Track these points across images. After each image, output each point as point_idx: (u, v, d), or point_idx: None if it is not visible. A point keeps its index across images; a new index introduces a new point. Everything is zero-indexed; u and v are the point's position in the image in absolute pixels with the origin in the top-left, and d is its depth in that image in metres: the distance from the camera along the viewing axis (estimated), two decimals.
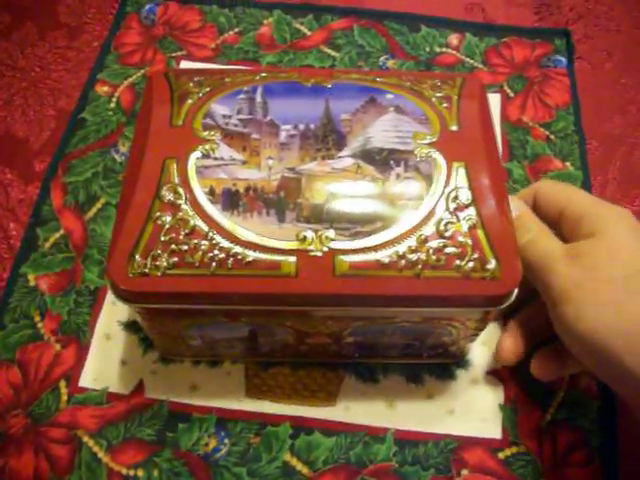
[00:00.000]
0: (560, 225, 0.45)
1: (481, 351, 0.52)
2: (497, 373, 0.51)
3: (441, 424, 0.50)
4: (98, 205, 0.58)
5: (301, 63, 0.67)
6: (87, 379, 0.51)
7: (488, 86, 0.65)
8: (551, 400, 0.51)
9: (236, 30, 0.69)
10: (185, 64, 0.67)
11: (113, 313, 0.53)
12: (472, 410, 0.50)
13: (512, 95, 0.65)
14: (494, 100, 0.63)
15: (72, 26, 0.70)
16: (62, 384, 0.51)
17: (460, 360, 0.52)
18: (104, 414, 0.49)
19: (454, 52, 0.68)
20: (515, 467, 0.48)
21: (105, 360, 0.52)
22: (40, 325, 0.53)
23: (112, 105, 0.64)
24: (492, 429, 0.50)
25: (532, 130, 0.63)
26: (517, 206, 0.45)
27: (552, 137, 0.63)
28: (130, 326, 0.53)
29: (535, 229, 0.44)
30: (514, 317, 0.49)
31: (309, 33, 0.69)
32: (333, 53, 0.67)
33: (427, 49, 0.68)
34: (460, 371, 0.52)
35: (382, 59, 0.67)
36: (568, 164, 0.61)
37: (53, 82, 0.66)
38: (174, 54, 0.67)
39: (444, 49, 0.68)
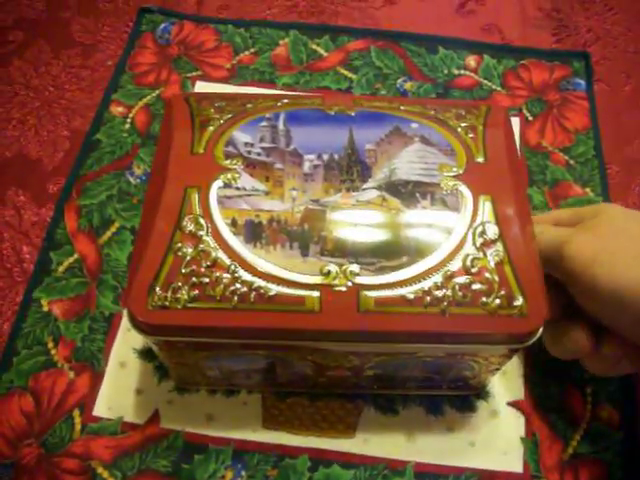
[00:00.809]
0: None
1: (501, 381, 0.51)
2: (518, 404, 0.51)
3: (462, 457, 0.49)
4: (112, 229, 0.57)
5: (318, 85, 0.66)
6: (101, 408, 0.50)
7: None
8: (573, 432, 0.50)
9: (252, 50, 0.69)
10: (200, 84, 0.66)
11: (128, 340, 0.52)
12: (493, 443, 0.49)
13: (531, 118, 0.65)
14: (513, 123, 0.62)
15: (86, 45, 0.69)
16: (76, 413, 0.50)
17: (480, 391, 0.51)
18: (119, 444, 0.49)
19: (472, 74, 0.68)
20: None
21: (120, 389, 0.51)
22: (54, 352, 0.52)
23: (127, 126, 0.63)
24: (513, 462, 0.49)
25: (551, 155, 0.62)
26: None
27: (572, 162, 0.62)
28: (145, 354, 0.52)
29: (542, 223, 0.45)
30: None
31: (325, 54, 0.68)
32: (350, 75, 0.67)
33: (445, 71, 0.67)
34: (480, 402, 0.51)
35: (399, 81, 0.67)
36: (588, 190, 0.60)
37: (67, 102, 0.66)
38: (189, 74, 0.67)
39: (462, 71, 0.68)
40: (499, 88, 0.67)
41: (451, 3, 0.74)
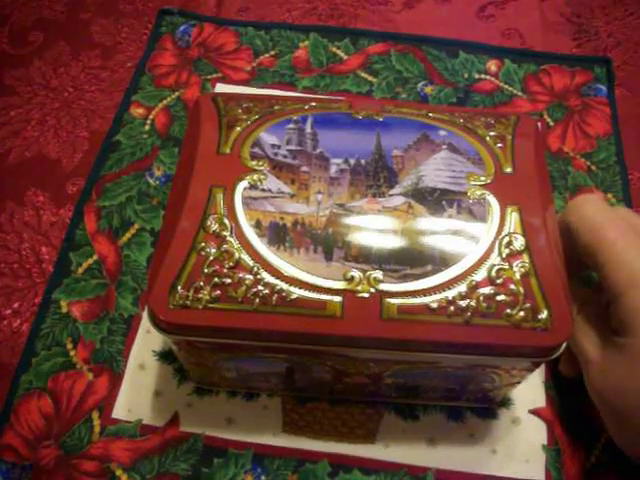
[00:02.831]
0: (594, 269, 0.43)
1: (523, 389, 0.51)
2: (539, 412, 0.50)
3: (483, 465, 0.48)
4: (132, 230, 0.57)
5: (338, 88, 0.66)
6: (120, 410, 0.50)
7: (528, 114, 0.64)
8: (595, 441, 0.49)
9: (272, 53, 0.68)
10: (220, 87, 0.66)
11: (147, 342, 0.52)
12: (515, 451, 0.49)
13: (552, 124, 0.64)
14: None
15: (106, 46, 0.70)
16: (95, 415, 0.50)
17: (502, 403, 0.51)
18: (138, 447, 0.48)
19: (493, 79, 0.67)
20: None
21: (139, 391, 0.51)
22: (73, 353, 0.52)
23: (147, 128, 0.63)
24: (535, 471, 0.48)
25: (573, 160, 0.62)
26: None
27: (593, 168, 0.61)
28: (165, 356, 0.52)
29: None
30: None
31: (345, 57, 0.68)
32: (370, 78, 0.67)
33: (465, 75, 0.67)
34: (502, 410, 0.50)
35: (420, 85, 0.66)
36: (610, 196, 0.60)
37: (86, 103, 0.66)
38: (209, 76, 0.67)
39: (482, 75, 0.67)
40: (520, 93, 0.66)
41: (470, 7, 0.74)
